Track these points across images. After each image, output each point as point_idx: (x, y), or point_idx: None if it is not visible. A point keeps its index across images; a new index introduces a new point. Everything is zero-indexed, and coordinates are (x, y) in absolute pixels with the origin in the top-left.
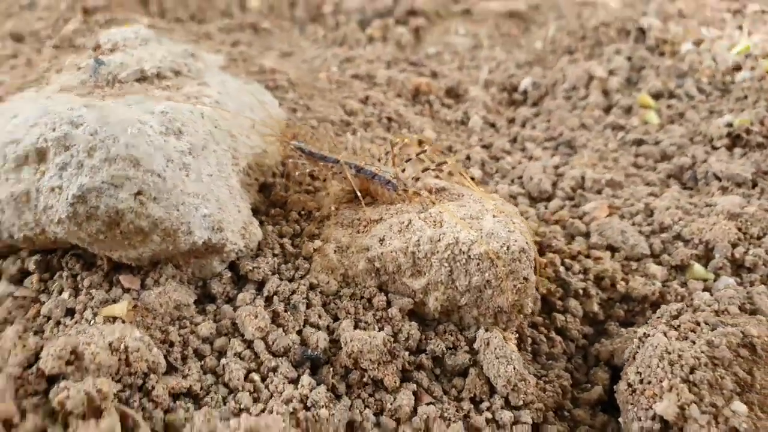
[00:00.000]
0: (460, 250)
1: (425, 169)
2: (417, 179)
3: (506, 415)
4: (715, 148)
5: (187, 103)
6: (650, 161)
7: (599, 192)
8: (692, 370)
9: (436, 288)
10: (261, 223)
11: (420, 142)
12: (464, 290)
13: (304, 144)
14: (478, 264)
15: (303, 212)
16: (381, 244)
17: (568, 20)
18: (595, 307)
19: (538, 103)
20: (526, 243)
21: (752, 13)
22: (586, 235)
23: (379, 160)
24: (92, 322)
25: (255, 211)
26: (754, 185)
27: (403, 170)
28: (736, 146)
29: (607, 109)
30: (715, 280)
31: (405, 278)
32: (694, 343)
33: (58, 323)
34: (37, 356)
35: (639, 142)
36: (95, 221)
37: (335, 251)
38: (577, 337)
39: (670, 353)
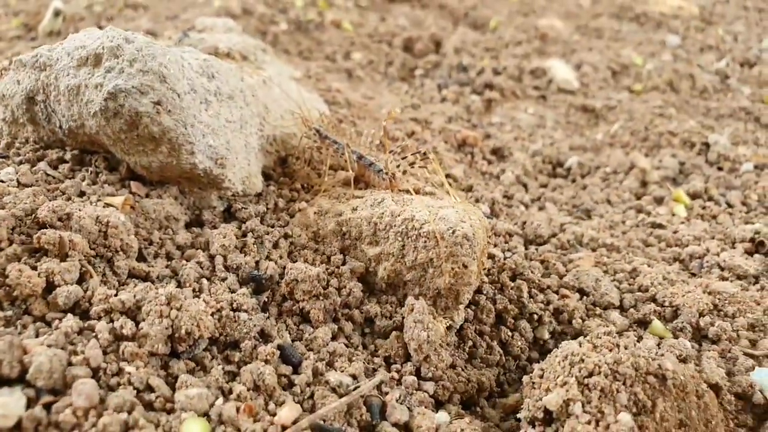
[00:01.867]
0: (413, 226)
1: (412, 164)
2: (404, 172)
3: (410, 378)
4: (733, 248)
5: (237, 71)
6: (662, 244)
7: (594, 250)
8: (589, 375)
9: (387, 258)
10: (267, 185)
11: (424, 154)
12: (410, 266)
13: (321, 128)
14: (425, 242)
15: (306, 185)
16: (352, 212)
17: (637, 123)
18: (546, 335)
19: (576, 180)
20: (473, 234)
21: None
22: (562, 276)
23: (379, 155)
24: (94, 204)
25: (267, 176)
26: (756, 281)
27: (398, 166)
28: (757, 252)
29: (639, 196)
30: (672, 339)
31: (364, 245)
32: (603, 356)
33: (69, 198)
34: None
35: (657, 226)
36: (119, 119)
37: (315, 213)
38: (519, 354)
39: (574, 356)
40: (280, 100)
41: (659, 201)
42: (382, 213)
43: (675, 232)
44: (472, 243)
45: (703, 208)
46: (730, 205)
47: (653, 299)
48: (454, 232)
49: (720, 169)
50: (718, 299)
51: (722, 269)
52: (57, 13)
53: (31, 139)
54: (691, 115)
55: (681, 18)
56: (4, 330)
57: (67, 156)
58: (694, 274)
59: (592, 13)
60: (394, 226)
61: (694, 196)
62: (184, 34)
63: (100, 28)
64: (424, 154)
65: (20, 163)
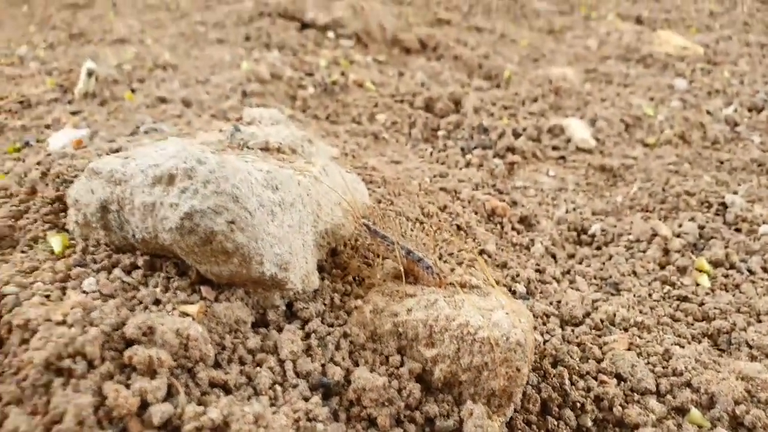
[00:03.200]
0: (468, 331)
1: (460, 263)
2: (452, 270)
3: None
4: (759, 322)
5: (293, 171)
6: (689, 318)
7: (626, 330)
8: None
9: (443, 360)
10: (322, 278)
11: (480, 252)
12: (466, 367)
13: (371, 223)
14: (481, 346)
15: (357, 278)
16: (407, 313)
17: (654, 184)
18: (589, 423)
19: (601, 248)
20: (525, 339)
21: None
22: (600, 360)
23: (427, 251)
24: (171, 313)
25: (320, 269)
26: None
27: (445, 262)
28: None
29: (663, 266)
30: (710, 429)
31: (420, 346)
32: None
33: (146, 307)
34: (124, 324)
35: (683, 299)
36: (194, 235)
37: (371, 311)
38: None
39: None
40: (330, 194)
41: (683, 271)
42: (437, 316)
43: (701, 304)
44: (524, 348)
45: (726, 276)
46: (751, 272)
47: (688, 385)
48: (507, 339)
49: (738, 230)
50: (751, 385)
51: (750, 347)
52: (90, 74)
53: (103, 242)
54: (705, 168)
55: (687, 59)
56: None
57: (140, 261)
58: (723, 350)
59: (600, 55)
60: (449, 329)
61: (716, 265)
62: (235, 128)
63: (133, 91)
64: (471, 255)
65: (98, 271)
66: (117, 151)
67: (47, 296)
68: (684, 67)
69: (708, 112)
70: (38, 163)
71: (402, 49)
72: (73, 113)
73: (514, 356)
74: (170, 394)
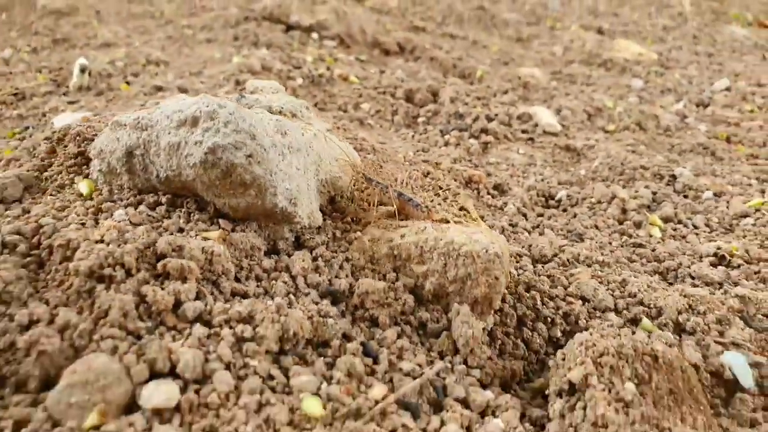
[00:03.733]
0: (454, 248)
1: (445, 199)
2: (437, 207)
3: (460, 367)
4: (700, 261)
5: (300, 127)
6: (643, 260)
7: (589, 266)
8: (600, 355)
9: (432, 274)
10: (324, 219)
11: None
12: (452, 279)
13: (368, 173)
14: (464, 260)
15: (354, 219)
16: (401, 238)
17: (614, 160)
18: (558, 333)
19: (567, 209)
20: (501, 252)
21: None
22: (566, 287)
23: (415, 194)
24: (194, 237)
25: (322, 212)
26: (720, 286)
27: (431, 201)
28: (720, 264)
29: (621, 222)
30: (658, 333)
31: (412, 264)
32: (609, 341)
33: (171, 233)
34: (154, 243)
35: (638, 245)
36: (216, 168)
37: (369, 240)
38: (538, 350)
39: (588, 342)
40: (327, 150)
41: (638, 225)
42: (426, 238)
43: (653, 250)
44: (501, 260)
45: (674, 230)
46: (696, 227)
47: (641, 303)
48: (487, 251)
49: (686, 197)
50: (692, 301)
51: (693, 278)
52: (83, 70)
53: (126, 186)
54: (658, 150)
55: (642, 63)
56: (149, 336)
57: (162, 200)
58: (671, 283)
59: (565, 60)
60: (437, 248)
61: (666, 221)
62: (240, 95)
63: (128, 83)
64: (460, 185)
65: (125, 206)
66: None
67: (82, 224)
68: (640, 70)
69: (661, 106)
70: (46, 138)
71: (382, 50)
72: (71, 103)
73: (493, 266)
74: (198, 298)
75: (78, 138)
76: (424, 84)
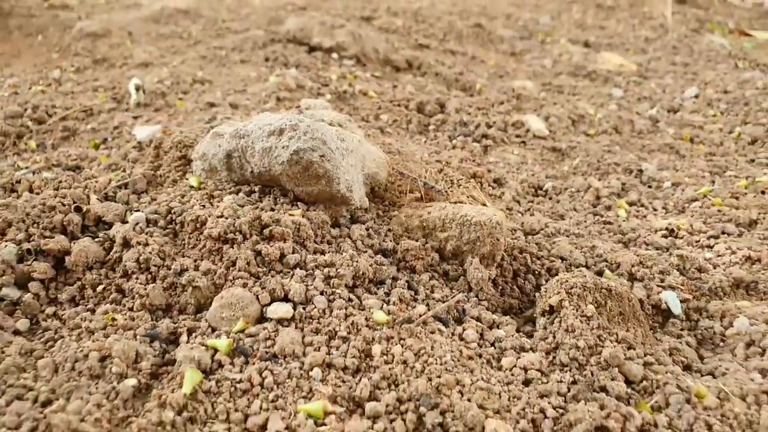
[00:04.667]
0: (467, 219)
1: (458, 187)
2: (452, 191)
3: (473, 300)
4: (655, 233)
5: (350, 135)
6: (610, 233)
7: (567, 236)
8: (571, 287)
9: (451, 239)
10: (369, 203)
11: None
12: (466, 241)
13: (400, 168)
14: (474, 227)
15: (391, 203)
16: (428, 214)
17: (592, 158)
18: (543, 282)
19: (552, 197)
20: (501, 221)
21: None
22: (549, 251)
23: (437, 182)
24: (284, 214)
25: (366, 197)
26: (667, 250)
27: (449, 187)
28: (669, 236)
29: (595, 205)
30: (617, 279)
31: (437, 232)
32: (577, 279)
33: (266, 211)
34: (258, 218)
35: (607, 223)
36: (298, 165)
37: (404, 216)
38: (528, 293)
39: (562, 279)
40: (367, 152)
41: (608, 208)
42: (447, 213)
43: (619, 226)
44: (501, 226)
45: (637, 212)
46: (655, 209)
47: (605, 260)
48: (491, 220)
49: (650, 187)
50: (643, 258)
51: (647, 245)
52: (137, 88)
53: (224, 180)
54: (630, 150)
55: (623, 74)
56: (266, 277)
57: (255, 189)
58: (630, 248)
59: (554, 72)
60: (455, 219)
61: (631, 204)
62: (300, 111)
63: (180, 100)
64: (468, 179)
65: (229, 193)
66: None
67: (203, 206)
68: (620, 80)
69: (637, 113)
70: (134, 147)
71: (393, 67)
72: (135, 117)
73: (495, 231)
74: (294, 252)
75: (179, 145)
76: (432, 97)
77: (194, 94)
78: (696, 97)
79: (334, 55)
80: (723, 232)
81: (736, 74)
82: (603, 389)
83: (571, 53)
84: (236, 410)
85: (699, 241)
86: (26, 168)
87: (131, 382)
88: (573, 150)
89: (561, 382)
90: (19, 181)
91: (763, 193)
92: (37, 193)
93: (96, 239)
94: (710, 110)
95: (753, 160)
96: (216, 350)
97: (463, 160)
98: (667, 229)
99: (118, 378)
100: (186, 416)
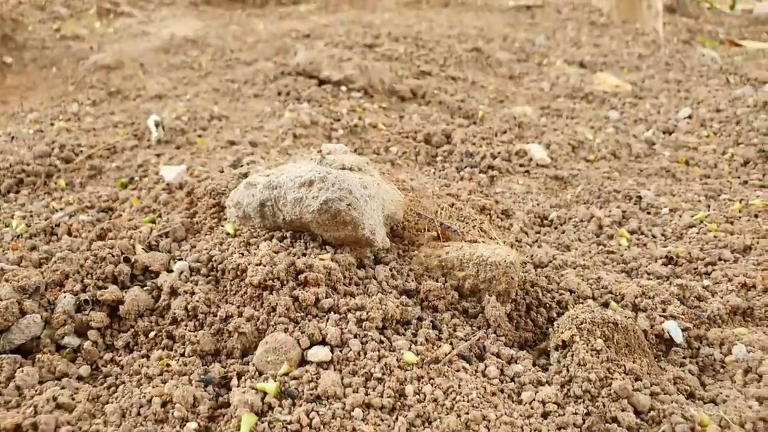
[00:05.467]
0: (483, 259)
1: (474, 226)
2: (469, 232)
3: (492, 336)
4: (656, 262)
5: (370, 179)
6: (613, 263)
7: (574, 268)
8: (581, 323)
9: (469, 277)
10: (390, 243)
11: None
12: (483, 280)
13: (416, 209)
14: (490, 267)
15: (410, 242)
16: (446, 254)
17: (593, 186)
18: (554, 315)
19: (557, 227)
20: (514, 261)
21: (725, 200)
22: (559, 283)
23: (452, 223)
24: (315, 258)
25: (387, 238)
26: (667, 279)
27: (464, 229)
28: (669, 264)
29: (598, 235)
30: (622, 311)
31: (455, 271)
32: (586, 315)
33: (298, 257)
34: (293, 264)
35: (610, 252)
36: (327, 213)
37: (424, 256)
38: (541, 326)
39: (573, 315)
40: (385, 193)
41: (610, 237)
42: (464, 253)
43: (621, 255)
44: (515, 266)
45: (638, 239)
46: (654, 237)
47: (610, 292)
48: (505, 261)
49: (648, 213)
50: (645, 289)
51: (648, 274)
52: (157, 124)
53: (258, 227)
54: (629, 175)
55: (619, 95)
56: (304, 321)
57: (287, 235)
58: (632, 278)
59: (552, 95)
60: (472, 260)
61: (632, 233)
62: (322, 157)
63: (200, 137)
64: (478, 212)
65: (264, 240)
66: (245, 175)
67: (242, 253)
68: (617, 102)
69: (634, 136)
70: (164, 189)
71: (399, 97)
72: (158, 155)
73: (510, 270)
74: (328, 296)
75: (213, 192)
76: (438, 128)
77: (213, 131)
78: (689, 117)
79: (343, 88)
80: (719, 259)
81: (727, 91)
82: (614, 420)
83: (567, 75)
84: None
85: (697, 268)
86: (61, 210)
87: (192, 425)
88: (574, 178)
89: (576, 414)
90: (58, 225)
91: (756, 216)
92: (75, 236)
93: (144, 288)
94: (704, 131)
95: (746, 182)
96: (265, 393)
97: (471, 192)
98: (666, 257)
99: (180, 422)
100: None
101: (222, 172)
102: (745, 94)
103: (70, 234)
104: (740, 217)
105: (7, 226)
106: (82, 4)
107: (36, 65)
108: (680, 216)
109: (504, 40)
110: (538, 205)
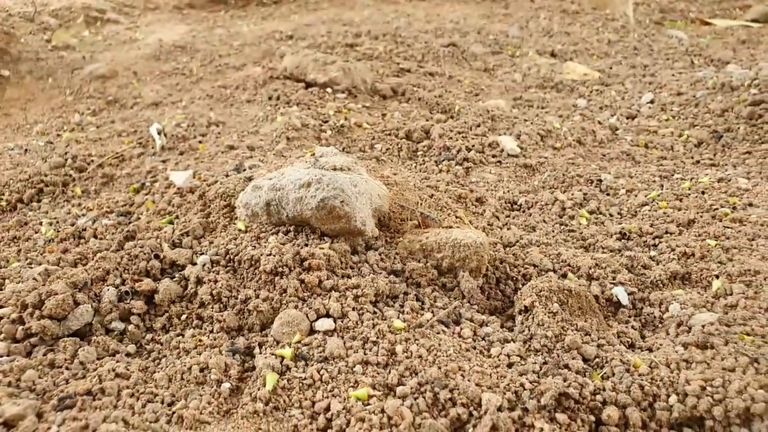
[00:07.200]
0: (457, 241)
1: (449, 214)
2: (445, 219)
3: (467, 305)
4: (610, 237)
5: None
6: (573, 240)
7: (538, 246)
8: (540, 291)
9: (446, 258)
10: (378, 232)
11: (456, 216)
12: (458, 259)
13: (400, 201)
14: (464, 248)
15: (395, 230)
16: (426, 239)
17: (558, 172)
18: (520, 286)
19: (525, 211)
20: (484, 242)
21: (678, 179)
22: (524, 260)
23: (431, 212)
24: (315, 248)
25: (376, 227)
26: (619, 252)
27: (441, 217)
28: (622, 239)
29: (561, 216)
30: (577, 281)
31: (434, 253)
32: (544, 283)
33: (302, 246)
34: (298, 253)
35: (571, 231)
36: (324, 209)
37: (407, 241)
38: (509, 296)
39: (533, 285)
40: (372, 189)
41: (572, 218)
42: (441, 238)
43: (581, 233)
44: (484, 246)
45: (596, 219)
46: (611, 215)
47: (569, 265)
48: (475, 242)
49: (608, 194)
50: (598, 261)
51: (603, 249)
52: (159, 132)
53: (264, 223)
54: (592, 160)
55: (587, 83)
56: (310, 299)
57: (290, 229)
58: (590, 252)
59: (524, 86)
60: (448, 243)
61: (591, 213)
62: (316, 160)
63: (201, 143)
64: (455, 201)
65: (271, 234)
66: (250, 178)
67: (254, 246)
68: (584, 90)
69: (599, 122)
70: (176, 193)
71: (380, 96)
72: (164, 161)
73: (479, 250)
74: (328, 278)
75: (224, 195)
76: (418, 124)
77: (212, 136)
78: (652, 102)
79: (329, 90)
80: (666, 232)
81: (690, 74)
82: (566, 366)
83: (539, 66)
84: (306, 399)
85: (646, 241)
86: (84, 215)
87: (227, 385)
88: (542, 165)
89: (535, 363)
90: (84, 229)
91: (703, 193)
92: (101, 239)
93: (174, 279)
94: (664, 115)
95: (698, 162)
96: (283, 357)
97: (449, 183)
98: (620, 233)
99: (216, 383)
100: (271, 406)
101: (228, 176)
102: (706, 76)
103: (96, 237)
104: (689, 195)
105: (36, 233)
106: (69, 13)
107: (32, 77)
108: (636, 196)
109: (479, 32)
110: (508, 191)
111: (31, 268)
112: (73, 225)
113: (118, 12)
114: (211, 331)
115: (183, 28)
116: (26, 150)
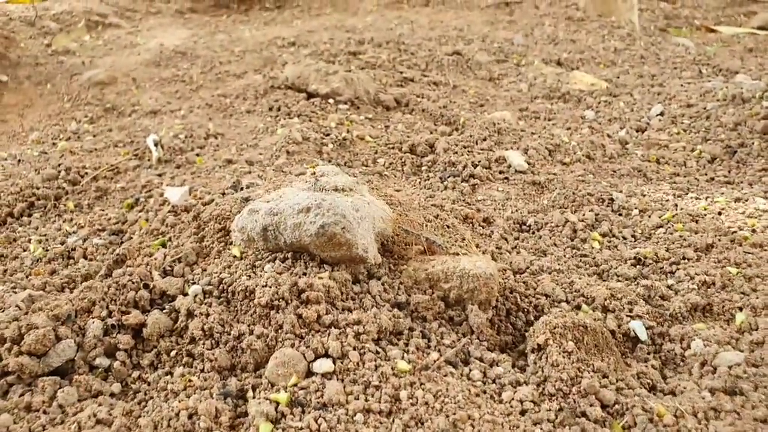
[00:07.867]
0: (465, 272)
1: (456, 241)
2: (452, 246)
3: (476, 341)
4: (625, 263)
5: (361, 200)
6: (586, 265)
7: (549, 273)
8: (554, 327)
9: (454, 288)
10: (381, 258)
11: (462, 239)
12: (466, 290)
13: (404, 225)
14: (472, 279)
15: (399, 256)
16: (432, 267)
17: (568, 191)
18: (532, 318)
19: (535, 233)
20: (493, 273)
21: (691, 199)
22: (535, 289)
23: (437, 236)
24: (314, 277)
25: (378, 253)
26: (635, 280)
27: (447, 242)
28: (637, 265)
29: (572, 239)
30: (592, 312)
31: (441, 283)
32: (558, 319)
33: (300, 276)
34: (296, 284)
35: (583, 256)
36: (324, 236)
37: (412, 269)
38: (520, 329)
39: (546, 321)
40: (375, 211)
41: (584, 241)
42: (449, 266)
43: (593, 258)
44: (494, 277)
45: (609, 242)
46: (624, 238)
47: (582, 295)
48: (485, 273)
49: (620, 215)
50: (613, 291)
51: (617, 276)
52: (156, 144)
53: (261, 249)
54: (602, 177)
55: (594, 93)
56: (308, 337)
57: (288, 256)
58: (604, 280)
59: (530, 96)
60: (456, 272)
61: (603, 235)
62: (316, 180)
63: (198, 156)
64: (461, 222)
65: (267, 261)
66: (247, 199)
67: (249, 276)
68: (592, 101)
69: (608, 135)
70: (170, 212)
71: (383, 107)
72: (159, 175)
73: (489, 281)
74: (327, 313)
75: (219, 218)
76: (422, 137)
77: (210, 149)
78: (661, 114)
79: (331, 101)
80: (683, 258)
81: (699, 84)
82: (584, 414)
83: (545, 75)
84: None
85: (662, 268)
86: (74, 233)
87: None
88: (551, 182)
89: (550, 410)
90: (74, 249)
91: (719, 214)
92: (91, 260)
93: (164, 311)
94: (674, 128)
95: (712, 179)
96: (278, 403)
97: (454, 201)
98: (635, 258)
99: None
100: None
101: (224, 195)
102: (716, 87)
103: (86, 257)
104: (705, 216)
105: (25, 251)
106: (71, 17)
107: (31, 82)
108: (649, 216)
109: (483, 40)
110: (516, 211)
111: (15, 293)
112: (63, 244)
113: (119, 16)
114: (202, 371)
115: (185, 32)
116: (20, 160)
